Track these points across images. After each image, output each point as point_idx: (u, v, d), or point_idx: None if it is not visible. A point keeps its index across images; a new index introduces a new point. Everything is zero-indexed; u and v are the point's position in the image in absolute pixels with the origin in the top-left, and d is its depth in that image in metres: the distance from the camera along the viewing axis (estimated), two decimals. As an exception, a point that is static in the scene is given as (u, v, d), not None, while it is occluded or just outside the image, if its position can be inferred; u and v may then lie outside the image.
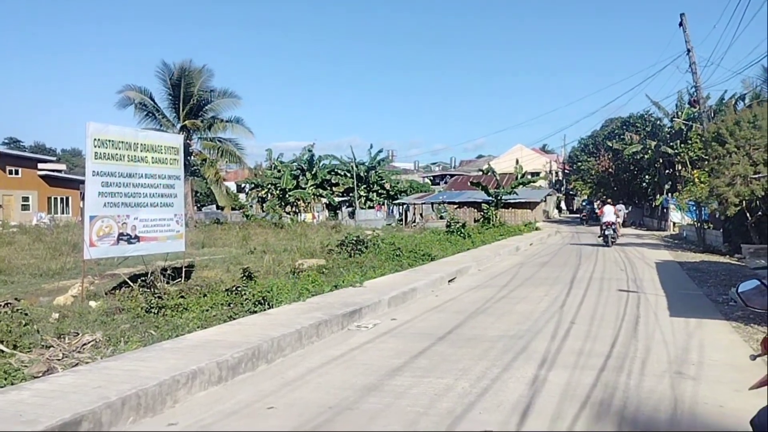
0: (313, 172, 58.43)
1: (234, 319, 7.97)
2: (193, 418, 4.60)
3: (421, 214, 51.22)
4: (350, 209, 57.17)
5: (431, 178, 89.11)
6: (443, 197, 51.31)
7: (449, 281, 13.14)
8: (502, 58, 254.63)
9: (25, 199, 45.26)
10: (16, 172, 45.02)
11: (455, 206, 46.30)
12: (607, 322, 8.55)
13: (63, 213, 46.82)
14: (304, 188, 57.63)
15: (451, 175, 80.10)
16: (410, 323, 8.70)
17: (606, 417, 4.55)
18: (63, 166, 54.46)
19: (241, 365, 5.82)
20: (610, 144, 49.90)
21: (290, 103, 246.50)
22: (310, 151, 59.85)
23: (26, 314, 7.58)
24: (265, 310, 8.59)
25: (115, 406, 4.28)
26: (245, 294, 9.12)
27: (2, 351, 6.36)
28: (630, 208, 48.21)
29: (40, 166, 48.01)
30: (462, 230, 25.35)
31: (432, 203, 51.26)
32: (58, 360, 6.41)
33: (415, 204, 53.08)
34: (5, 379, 5.40)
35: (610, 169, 50.79)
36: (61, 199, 48.48)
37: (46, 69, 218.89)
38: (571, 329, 8.02)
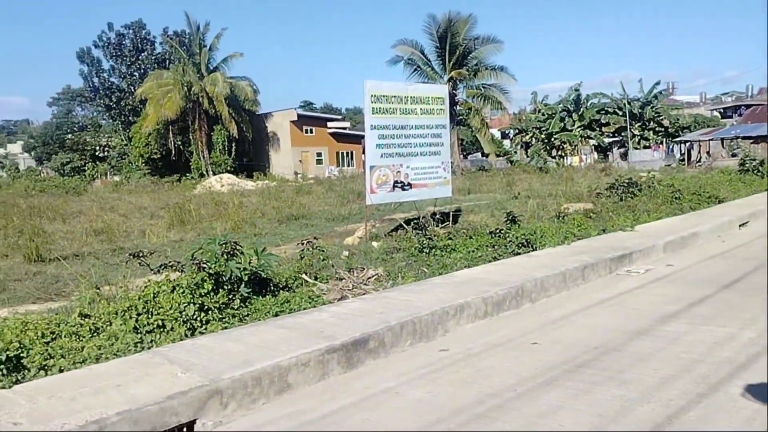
0: (580, 113, 55.65)
1: (498, 260, 8.24)
2: (462, 346, 4.98)
3: (708, 153, 45.52)
4: (622, 150, 53.35)
5: (721, 110, 78.00)
6: (736, 131, 44.75)
7: (740, 226, 11.61)
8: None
9: (319, 154, 51.82)
10: (311, 131, 51.63)
11: (751, 141, 40.06)
12: None
13: (348, 165, 52.54)
14: (571, 130, 55.30)
15: (747, 106, 69.05)
16: (689, 269, 8.00)
17: None
18: (347, 124, 60.69)
19: (506, 302, 6.06)
20: None
21: (554, 41, 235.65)
22: (576, 90, 56.95)
23: (323, 251, 8.84)
24: (528, 252, 8.69)
25: (395, 330, 4.87)
26: (509, 236, 9.31)
27: (307, 281, 7.59)
28: None
29: (329, 124, 54.28)
30: (760, 168, 21.93)
31: (722, 139, 45.12)
32: (349, 290, 7.43)
33: (700, 141, 47.28)
34: (309, 303, 6.49)
35: None
36: (347, 153, 54.33)
37: (329, 34, 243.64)
38: None
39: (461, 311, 5.53)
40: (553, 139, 55.12)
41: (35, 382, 4.13)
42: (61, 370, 4.60)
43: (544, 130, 56.03)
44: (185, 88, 40.39)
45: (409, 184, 11.78)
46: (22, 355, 4.77)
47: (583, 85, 70.80)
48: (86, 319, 5.60)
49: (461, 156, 46.07)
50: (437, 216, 12.71)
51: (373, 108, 10.98)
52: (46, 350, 4.88)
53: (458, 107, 37.11)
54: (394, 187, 11.52)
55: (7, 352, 4.69)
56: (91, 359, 4.77)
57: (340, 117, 67.13)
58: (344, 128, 56.47)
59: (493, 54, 37.56)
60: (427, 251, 9.01)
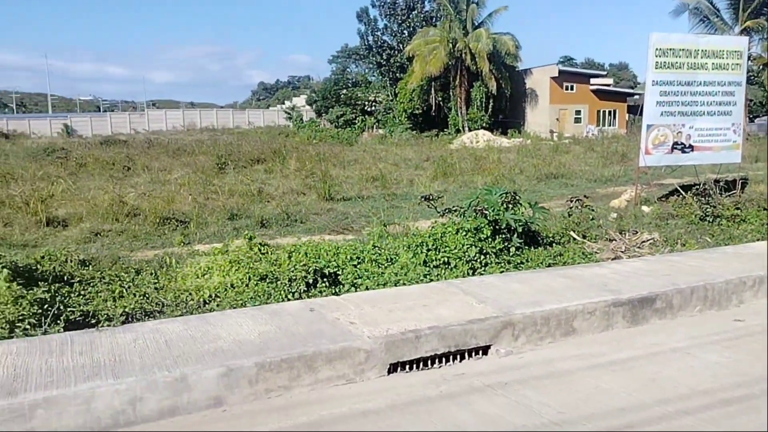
0: None
1: (803, 235, 7.30)
2: (760, 319, 4.65)
3: None
4: None
5: None
6: None
7: None
8: None
9: (577, 112, 49.67)
10: (571, 88, 49.61)
11: None
12: None
13: (609, 125, 49.54)
14: None
15: None
16: None
17: None
18: (610, 81, 56.95)
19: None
20: None
21: None
22: None
23: (592, 210, 8.71)
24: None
25: (685, 293, 4.74)
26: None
27: (575, 238, 7.62)
28: None
29: (592, 81, 51.50)
30: None
31: None
32: (621, 251, 7.28)
33: None
34: (583, 258, 6.55)
35: None
36: (609, 111, 51.18)
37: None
38: None
39: (760, 284, 5.11)
40: None
41: (358, 293, 4.95)
42: (367, 289, 5.42)
43: None
44: (450, 45, 41.63)
45: (691, 146, 10.85)
46: (337, 272, 5.73)
47: None
48: (380, 250, 6.44)
49: (747, 119, 40.27)
50: (720, 183, 11.54)
51: (656, 63, 10.27)
52: (356, 271, 5.77)
53: (750, 62, 32.34)
54: (672, 148, 10.74)
55: (327, 269, 5.67)
56: (391, 283, 5.53)
57: (603, 73, 63.14)
58: (607, 85, 53.10)
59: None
60: (710, 220, 8.34)
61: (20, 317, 4.08)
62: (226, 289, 5.44)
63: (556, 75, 48.06)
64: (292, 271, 5.40)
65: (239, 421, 3.12)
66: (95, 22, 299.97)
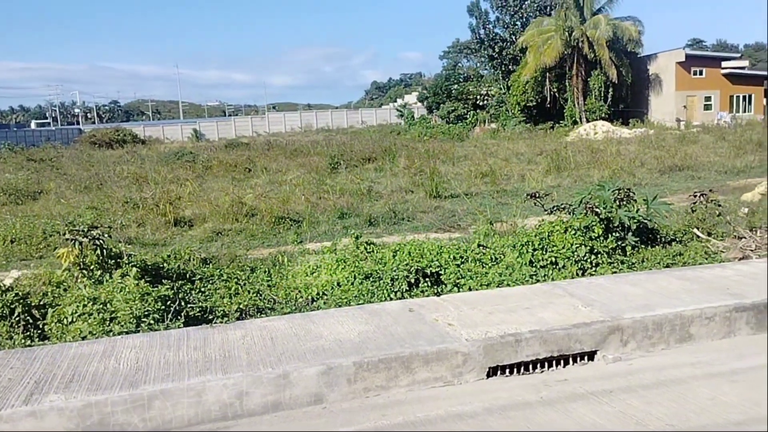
0: None
1: None
2: None
3: None
4: None
5: None
6: None
7: None
8: None
9: (707, 98, 46.02)
10: (700, 73, 46.08)
11: None
12: None
13: (744, 111, 45.50)
14: None
15: None
16: None
17: None
18: (745, 63, 52.21)
19: None
20: None
21: None
22: None
23: (719, 205, 8.05)
24: None
25: (822, 298, 4.26)
26: None
27: (698, 236, 7.08)
28: None
29: (724, 64, 47.50)
30: None
31: None
32: (752, 250, 6.68)
33: None
34: (706, 258, 6.08)
35: None
36: (743, 97, 46.98)
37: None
38: None
39: None
40: None
41: (458, 294, 4.92)
42: (469, 289, 5.37)
43: None
44: (566, 34, 40.01)
45: (839, 133, 9.71)
46: (440, 272, 5.72)
47: None
48: (484, 249, 6.35)
49: None
50: None
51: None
52: (458, 271, 5.74)
53: None
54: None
55: (430, 268, 5.67)
56: (494, 284, 5.43)
57: (737, 55, 58.05)
58: (741, 68, 48.70)
59: None
60: None
61: (145, 313, 4.45)
62: (332, 288, 5.61)
63: (683, 60, 44.82)
64: (395, 271, 5.47)
65: (338, 419, 3.21)
66: (221, 32, 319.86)
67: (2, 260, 7.61)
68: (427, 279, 5.58)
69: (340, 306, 4.93)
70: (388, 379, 3.44)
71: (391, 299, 5.06)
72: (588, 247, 5.85)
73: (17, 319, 4.66)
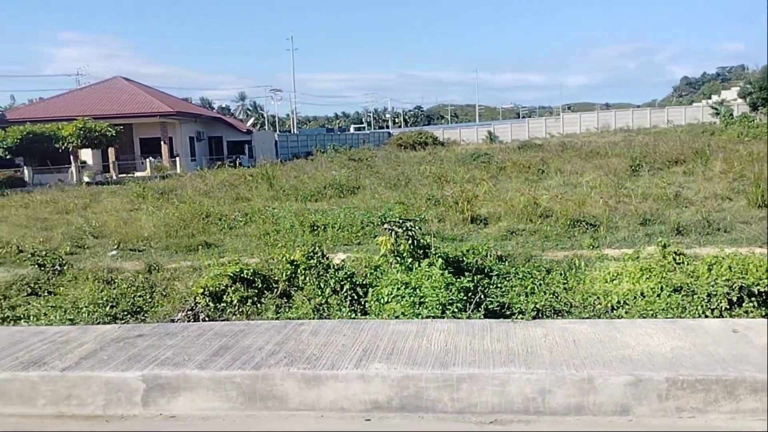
0: None
1: None
2: None
3: None
4: None
5: None
6: None
7: None
8: None
9: None
10: None
11: None
12: None
13: None
14: None
15: None
16: None
17: None
18: None
19: None
20: None
21: None
22: None
23: None
24: None
25: None
26: None
27: None
28: None
29: None
30: None
31: None
32: None
33: None
34: None
35: None
36: None
37: None
38: None
39: None
40: None
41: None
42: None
43: None
44: None
45: None
46: (770, 292, 4.94)
47: None
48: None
49: None
50: None
51: None
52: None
53: None
54: None
55: (757, 287, 4.94)
56: None
57: None
58: None
59: None
60: None
61: (449, 301, 4.76)
62: (635, 297, 5.29)
63: None
64: (712, 286, 4.90)
65: (646, 435, 3.02)
66: (516, 36, 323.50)
67: (331, 244, 8.87)
68: (753, 299, 4.88)
69: (644, 317, 4.63)
70: (706, 403, 3.12)
71: (707, 316, 4.56)
72: None
73: (345, 294, 5.43)
